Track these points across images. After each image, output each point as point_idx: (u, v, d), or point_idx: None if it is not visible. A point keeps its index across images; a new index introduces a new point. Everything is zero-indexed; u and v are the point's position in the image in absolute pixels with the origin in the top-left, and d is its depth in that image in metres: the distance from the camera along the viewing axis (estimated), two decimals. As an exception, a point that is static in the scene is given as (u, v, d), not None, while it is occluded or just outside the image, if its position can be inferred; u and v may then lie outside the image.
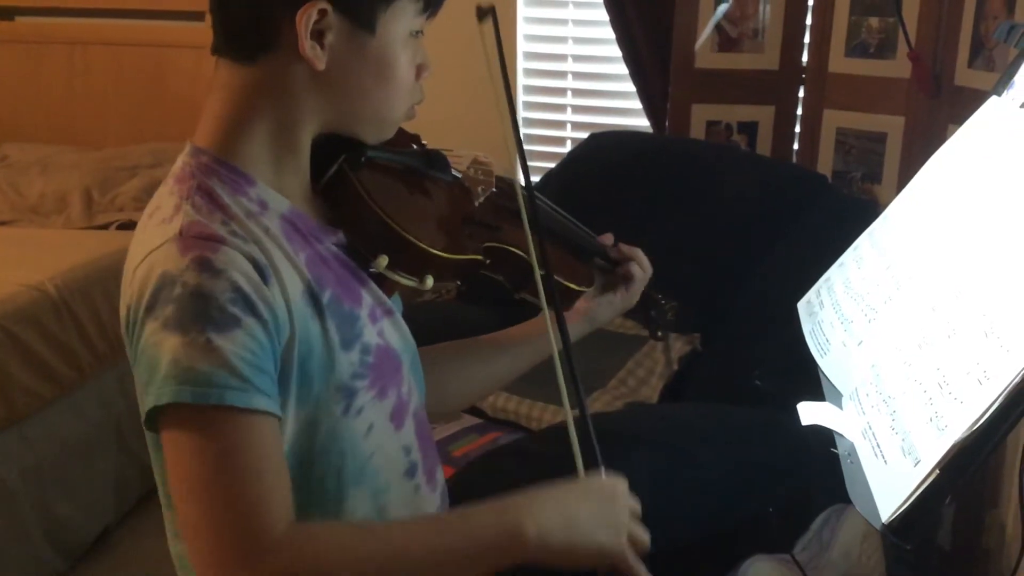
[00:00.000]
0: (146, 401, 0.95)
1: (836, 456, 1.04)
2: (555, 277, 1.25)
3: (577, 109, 3.26)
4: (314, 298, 1.02)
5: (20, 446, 2.36)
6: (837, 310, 1.25)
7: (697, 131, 2.79)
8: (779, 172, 2.56)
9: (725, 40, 2.72)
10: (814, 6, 2.62)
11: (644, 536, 1.09)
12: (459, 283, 1.23)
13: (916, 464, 0.88)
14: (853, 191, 2.56)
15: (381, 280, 1.13)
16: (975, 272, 1.02)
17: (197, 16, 3.35)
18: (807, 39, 2.66)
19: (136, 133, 3.45)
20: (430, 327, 1.32)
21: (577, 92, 3.25)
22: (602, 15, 2.94)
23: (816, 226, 2.25)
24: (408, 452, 1.16)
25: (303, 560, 0.93)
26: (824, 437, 1.07)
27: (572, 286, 1.31)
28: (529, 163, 1.22)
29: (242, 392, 0.93)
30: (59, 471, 2.46)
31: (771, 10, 2.68)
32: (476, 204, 1.25)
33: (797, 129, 2.74)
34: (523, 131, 3.14)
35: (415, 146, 1.25)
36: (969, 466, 0.86)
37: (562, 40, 3.23)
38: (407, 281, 1.11)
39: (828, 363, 1.20)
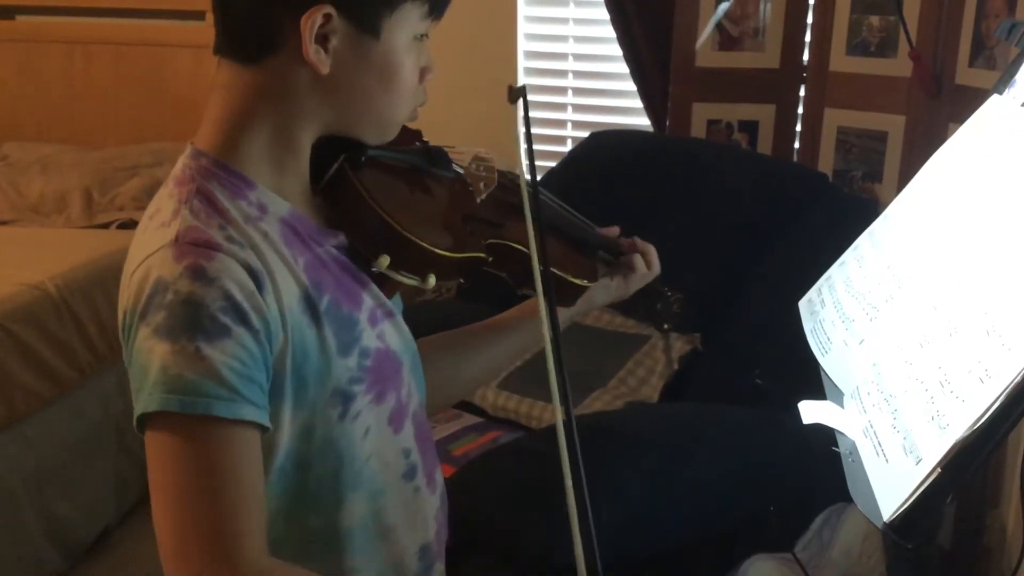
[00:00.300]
0: (137, 406, 0.95)
1: (837, 455, 1.04)
2: (557, 272, 1.24)
3: (578, 108, 3.26)
4: (311, 304, 1.02)
5: (20, 446, 2.37)
6: (838, 309, 1.25)
7: (698, 130, 2.79)
8: (780, 171, 2.56)
9: (726, 39, 2.72)
10: (815, 5, 2.62)
11: None
12: (461, 281, 1.22)
13: (918, 463, 0.88)
14: (854, 190, 2.56)
15: (383, 280, 1.12)
16: (977, 271, 1.02)
17: (198, 15, 3.36)
18: (808, 38, 2.66)
19: (136, 132, 3.45)
20: (431, 326, 1.32)
21: (578, 91, 3.25)
22: (603, 14, 2.94)
23: (817, 225, 2.25)
24: (407, 455, 1.15)
25: None
26: (825, 436, 1.07)
27: (576, 281, 1.30)
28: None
29: (229, 403, 0.93)
30: (59, 471, 2.46)
31: (772, 9, 2.68)
32: (478, 201, 1.24)
33: (798, 128, 2.75)
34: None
35: (416, 143, 1.24)
36: (971, 465, 0.85)
37: (563, 39, 3.23)
38: (409, 281, 1.11)
39: (829, 362, 1.20)
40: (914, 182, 1.32)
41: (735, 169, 2.51)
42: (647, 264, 1.38)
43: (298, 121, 1.06)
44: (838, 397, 1.13)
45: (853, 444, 1.02)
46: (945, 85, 2.32)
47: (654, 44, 2.84)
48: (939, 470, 0.85)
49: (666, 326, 1.48)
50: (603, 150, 2.73)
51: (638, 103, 3.00)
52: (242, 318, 0.94)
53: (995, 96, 1.26)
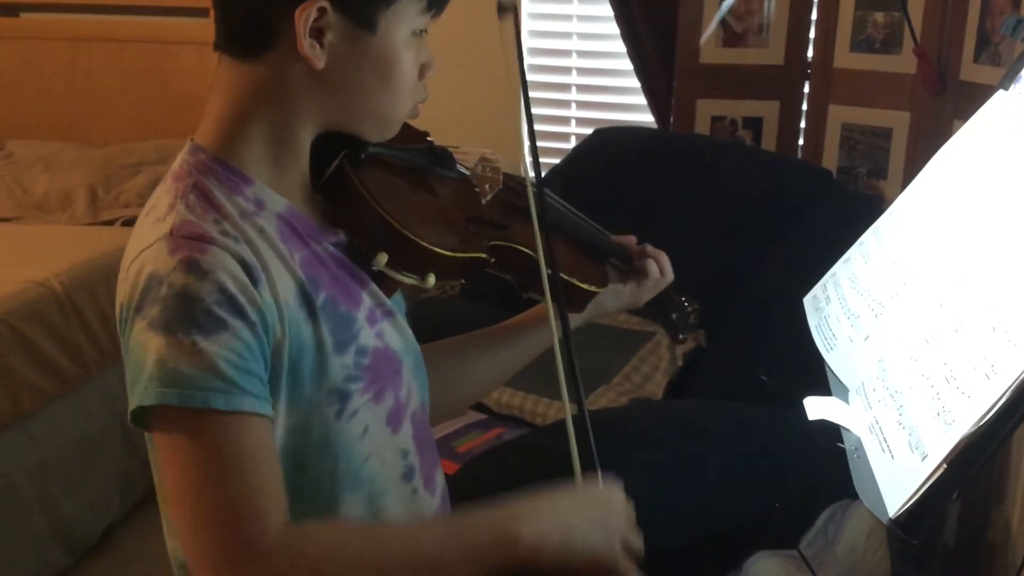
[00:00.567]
0: (132, 399, 0.96)
1: (842, 451, 1.04)
2: (565, 277, 1.23)
3: (581, 105, 3.25)
4: (307, 300, 1.02)
5: (25, 443, 2.37)
6: (843, 305, 1.25)
7: (702, 126, 2.78)
8: (784, 167, 2.55)
9: (730, 35, 2.72)
10: (819, 1, 2.62)
11: (638, 542, 1.09)
12: (463, 281, 1.21)
13: (923, 459, 0.88)
14: (858, 186, 2.56)
15: (382, 279, 1.11)
16: (982, 267, 1.02)
17: (201, 12, 3.36)
18: (812, 34, 2.66)
19: (140, 129, 3.46)
20: (435, 324, 1.32)
21: (581, 88, 3.25)
22: (607, 11, 2.94)
23: (821, 222, 2.24)
24: (405, 455, 1.14)
25: (297, 562, 0.94)
26: (830, 432, 1.07)
27: (583, 286, 1.27)
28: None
29: (227, 395, 0.93)
30: (64, 468, 2.46)
31: (776, 5, 2.68)
32: (483, 202, 1.23)
33: (802, 124, 2.74)
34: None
35: (423, 143, 1.24)
36: (977, 461, 0.85)
37: (567, 36, 3.23)
38: (408, 279, 1.10)
39: (834, 358, 1.19)
40: (919, 178, 1.32)
41: (739, 166, 2.51)
42: (660, 270, 1.36)
43: (296, 118, 1.05)
44: (843, 393, 1.13)
45: (858, 440, 1.02)
46: (950, 81, 2.32)
47: (658, 40, 2.84)
48: (945, 466, 0.85)
49: (682, 336, 1.46)
50: (607, 147, 2.73)
51: (642, 100, 3.00)
52: (238, 311, 0.94)
53: (1000, 92, 1.26)
